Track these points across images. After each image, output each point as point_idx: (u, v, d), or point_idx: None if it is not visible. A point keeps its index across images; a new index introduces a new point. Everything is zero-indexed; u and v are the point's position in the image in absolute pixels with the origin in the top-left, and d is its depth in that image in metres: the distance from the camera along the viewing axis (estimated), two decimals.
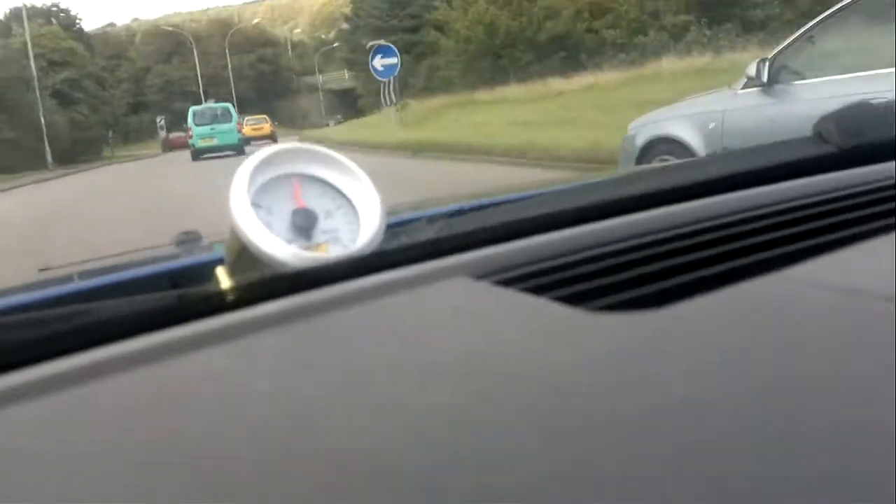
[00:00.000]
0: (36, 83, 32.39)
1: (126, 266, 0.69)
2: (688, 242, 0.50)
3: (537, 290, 0.44)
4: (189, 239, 0.84)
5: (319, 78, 60.70)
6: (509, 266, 0.48)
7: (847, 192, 0.58)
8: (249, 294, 0.46)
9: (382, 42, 22.72)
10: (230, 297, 0.46)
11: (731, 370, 0.35)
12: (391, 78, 21.20)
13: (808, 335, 0.38)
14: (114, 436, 0.34)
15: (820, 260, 0.45)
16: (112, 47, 57.98)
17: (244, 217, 0.50)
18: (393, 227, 0.56)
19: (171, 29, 62.39)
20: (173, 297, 0.48)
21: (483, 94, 24.46)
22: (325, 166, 0.55)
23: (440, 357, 0.39)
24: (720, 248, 0.49)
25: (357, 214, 0.54)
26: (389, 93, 21.70)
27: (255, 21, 75.63)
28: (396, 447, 0.31)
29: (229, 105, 25.69)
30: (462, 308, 0.45)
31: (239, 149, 22.09)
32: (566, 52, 25.76)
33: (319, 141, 22.16)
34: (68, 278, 0.69)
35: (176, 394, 0.38)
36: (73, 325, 0.43)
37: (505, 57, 26.36)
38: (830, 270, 0.44)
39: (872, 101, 0.74)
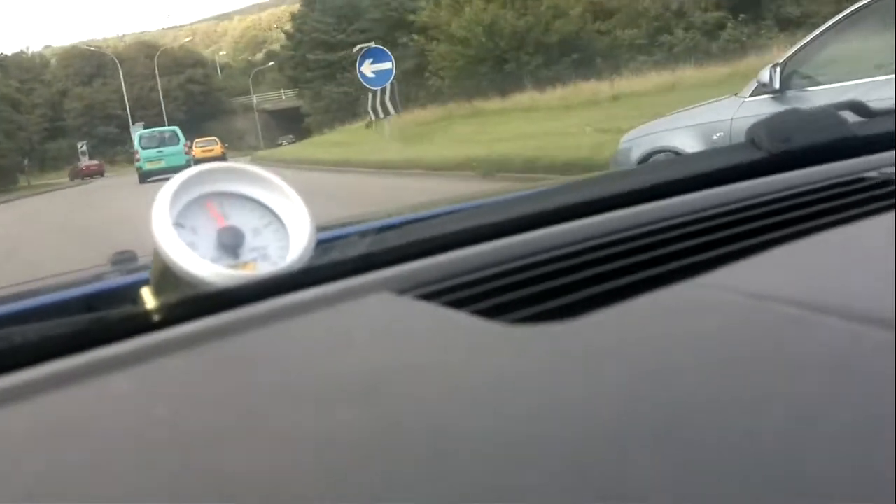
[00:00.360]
0: None
1: (48, 290, 0.71)
2: (606, 252, 0.54)
3: (456, 304, 0.47)
4: (123, 259, 0.84)
5: (254, 98, 61.39)
6: (430, 280, 0.51)
7: (771, 196, 0.62)
8: (168, 314, 0.48)
9: (372, 45, 18.79)
10: (148, 319, 0.48)
11: (647, 378, 0.36)
12: (389, 85, 17.00)
13: (722, 341, 0.39)
14: (8, 464, 0.35)
15: (737, 265, 0.48)
16: (26, 71, 58.05)
17: (165, 237, 0.52)
18: (323, 244, 0.59)
19: (92, 49, 62.47)
20: (88, 320, 0.50)
21: (491, 103, 22.62)
22: (252, 184, 0.58)
23: (357, 373, 0.40)
24: (637, 258, 0.53)
25: (286, 231, 0.57)
26: (383, 103, 17.61)
27: (187, 40, 70.36)
28: (307, 467, 0.31)
29: (176, 128, 26.63)
30: (383, 323, 0.48)
31: None
32: (579, 54, 22.34)
33: (298, 162, 17.77)
34: None
35: (85, 420, 0.39)
36: None
37: (511, 61, 22.59)
38: (747, 276, 0.47)
39: (802, 108, 0.80)
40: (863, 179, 0.64)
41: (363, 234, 0.64)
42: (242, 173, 0.57)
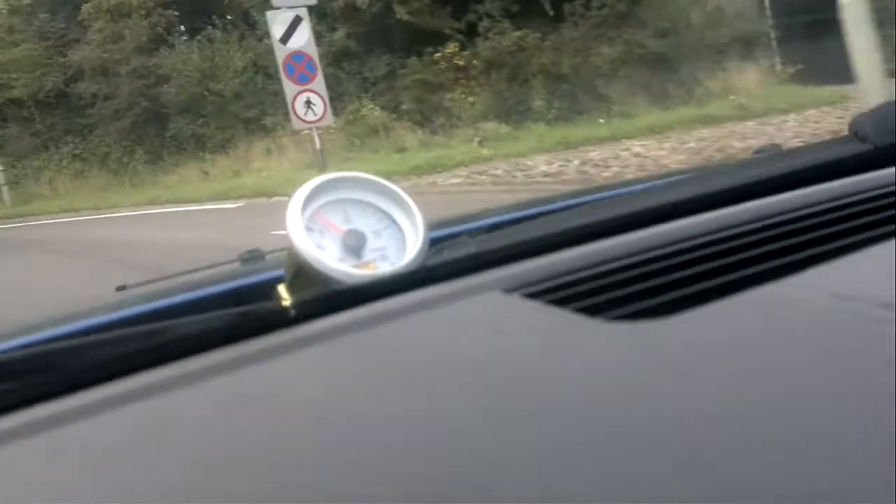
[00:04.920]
0: None
1: (196, 285, 0.79)
2: (701, 253, 0.57)
3: (560, 302, 0.51)
4: (253, 257, 0.93)
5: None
6: (535, 280, 0.56)
7: (873, 193, 0.61)
8: (306, 310, 0.55)
9: None
10: (289, 313, 0.55)
11: (739, 374, 0.39)
12: None
13: (811, 340, 0.42)
14: (191, 442, 0.40)
15: (828, 266, 0.50)
16: None
17: (299, 239, 0.59)
18: (436, 243, 0.65)
19: None
20: (240, 314, 0.58)
21: None
22: (370, 191, 0.64)
23: (471, 367, 0.45)
24: (730, 258, 0.55)
25: (402, 233, 0.63)
26: None
27: None
28: (437, 447, 0.36)
29: None
30: (492, 320, 0.53)
31: None
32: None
33: None
34: (143, 298, 0.78)
35: (246, 402, 0.45)
36: (152, 343, 0.52)
37: None
38: (836, 276, 0.49)
39: None
40: None
41: (473, 232, 0.70)
42: (361, 181, 0.63)
